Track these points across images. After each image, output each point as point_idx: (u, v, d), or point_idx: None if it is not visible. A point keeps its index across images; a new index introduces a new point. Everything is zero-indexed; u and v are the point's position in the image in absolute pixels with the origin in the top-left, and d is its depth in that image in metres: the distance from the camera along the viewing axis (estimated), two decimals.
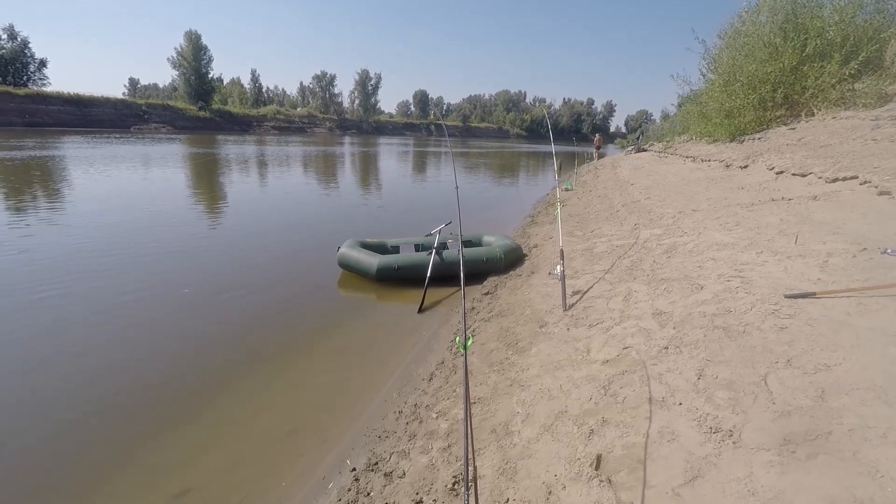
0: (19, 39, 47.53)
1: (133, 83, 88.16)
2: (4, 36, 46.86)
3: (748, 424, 1.86)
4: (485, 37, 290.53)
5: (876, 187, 4.73)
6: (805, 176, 6.14)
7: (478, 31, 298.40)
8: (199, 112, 53.91)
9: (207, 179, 14.99)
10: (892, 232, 3.65)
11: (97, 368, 3.54)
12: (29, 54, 48.57)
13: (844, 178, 5.39)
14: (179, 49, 57.64)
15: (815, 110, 9.47)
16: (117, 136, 33.90)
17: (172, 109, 51.48)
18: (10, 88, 40.42)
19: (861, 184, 5.05)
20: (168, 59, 58.43)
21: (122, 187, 11.94)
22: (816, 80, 9.51)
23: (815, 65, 9.55)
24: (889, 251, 3.19)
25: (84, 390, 3.27)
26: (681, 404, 2.12)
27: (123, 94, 75.33)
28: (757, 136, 10.22)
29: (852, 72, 8.92)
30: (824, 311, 2.53)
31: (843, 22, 9.56)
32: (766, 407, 1.92)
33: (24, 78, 47.99)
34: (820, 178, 5.78)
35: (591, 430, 2.16)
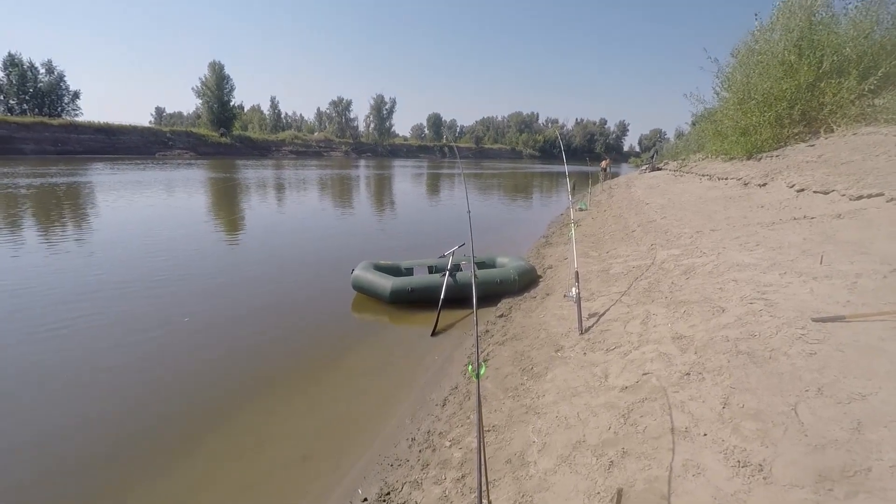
0: (56, 73, 50.37)
1: (159, 111, 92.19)
2: (43, 70, 49.75)
3: (779, 458, 1.75)
4: (497, 59, 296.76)
5: None
6: (827, 193, 5.98)
7: (490, 54, 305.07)
8: (221, 138, 55.81)
9: (226, 203, 15.38)
10: None
11: (106, 395, 3.57)
12: (64, 87, 51.33)
13: (869, 196, 5.23)
14: (203, 79, 60.23)
15: (835, 126, 9.29)
16: (141, 162, 35.20)
17: (195, 136, 53.40)
18: (46, 119, 42.62)
19: (888, 201, 4.88)
20: (193, 88, 61.14)
21: (141, 213, 12.32)
22: (834, 96, 9.37)
23: (833, 81, 9.43)
24: None
25: (92, 416, 3.29)
26: (705, 435, 2.02)
27: (150, 122, 78.68)
28: (774, 153, 10.05)
29: (872, 87, 8.78)
30: (855, 336, 2.41)
31: (860, 38, 9.48)
32: (798, 439, 1.82)
33: (59, 109, 50.57)
34: (843, 195, 5.62)
35: (611, 461, 2.07)
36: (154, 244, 8.37)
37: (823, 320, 2.62)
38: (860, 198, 5.30)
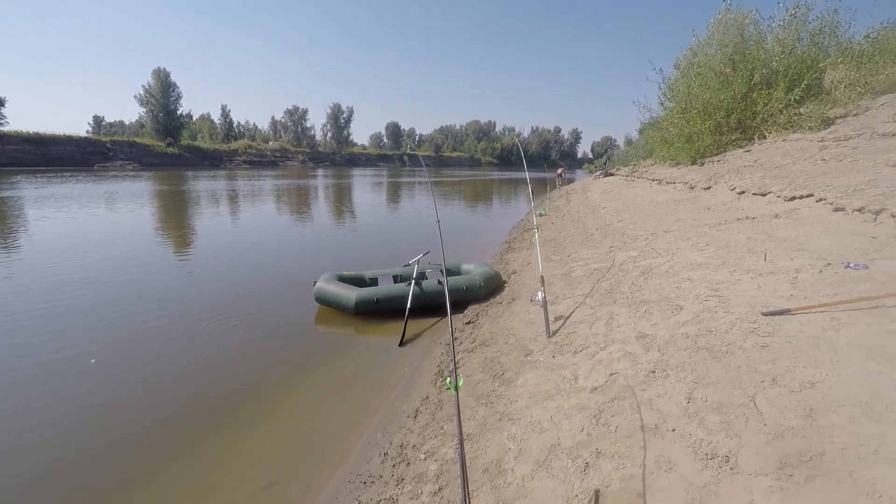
0: None
1: (98, 120, 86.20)
2: None
3: (743, 448, 1.83)
4: (454, 68, 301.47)
5: (831, 204, 5.00)
6: (765, 195, 6.45)
7: (447, 64, 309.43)
8: (168, 148, 52.99)
9: (175, 217, 14.57)
10: (852, 247, 3.83)
11: (47, 425, 3.25)
12: None
13: (801, 197, 5.68)
14: (147, 86, 57.16)
15: (767, 133, 10.09)
16: (80, 174, 32.78)
17: (139, 146, 50.39)
18: None
19: (817, 201, 5.33)
20: (135, 96, 57.79)
21: (79, 228, 11.44)
22: (765, 105, 10.19)
23: (763, 92, 10.26)
24: (852, 265, 3.33)
25: (30, 453, 2.98)
26: (674, 430, 2.09)
27: (87, 131, 73.32)
28: (716, 158, 10.77)
29: (797, 98, 9.61)
30: (801, 328, 2.58)
31: (785, 53, 10.39)
32: (759, 429, 1.91)
33: None
34: (779, 196, 6.08)
35: (587, 463, 2.09)
36: (84, 266, 7.76)
37: (772, 314, 2.80)
38: (793, 198, 5.75)
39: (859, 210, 4.50)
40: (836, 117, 8.73)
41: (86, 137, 50.44)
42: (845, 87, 9.17)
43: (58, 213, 13.30)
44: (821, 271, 3.40)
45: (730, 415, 2.05)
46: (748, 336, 2.64)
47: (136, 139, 53.35)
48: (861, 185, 5.03)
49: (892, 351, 2.18)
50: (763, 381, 2.20)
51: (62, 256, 8.13)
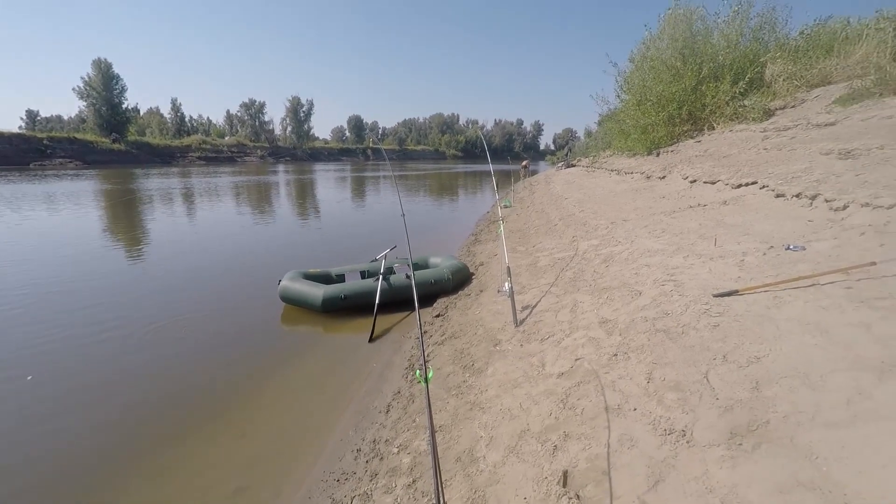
0: None
1: (31, 115, 79.63)
2: None
3: (698, 422, 1.96)
4: (418, 61, 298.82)
5: (773, 191, 5.35)
6: (714, 183, 6.82)
7: (410, 56, 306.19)
8: (113, 144, 49.76)
9: (124, 218, 13.76)
10: (791, 230, 4.12)
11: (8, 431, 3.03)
12: None
13: (746, 184, 6.04)
14: (87, 78, 53.39)
15: (715, 124, 10.63)
16: (13, 173, 30.29)
17: (81, 143, 47.00)
18: None
19: (760, 188, 5.68)
20: (74, 89, 53.88)
21: (22, 230, 10.62)
22: (713, 98, 10.72)
23: (711, 85, 10.78)
24: (791, 247, 3.59)
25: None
26: (635, 409, 2.20)
27: (20, 127, 67.66)
28: (670, 149, 11.25)
29: (741, 90, 10.17)
30: (747, 307, 2.77)
31: (730, 47, 10.95)
32: (711, 403, 2.04)
33: None
34: (727, 184, 6.44)
35: (555, 446, 2.17)
36: (31, 271, 7.24)
37: (722, 295, 2.98)
38: (739, 186, 6.10)
39: (797, 196, 4.84)
40: (777, 109, 9.31)
41: (19, 133, 46.55)
42: (784, 80, 9.77)
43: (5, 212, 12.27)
44: (764, 254, 3.64)
45: (685, 392, 2.18)
46: (701, 317, 2.80)
47: (77, 135, 49.66)
48: (798, 173, 5.41)
49: (826, 325, 2.37)
50: (715, 359, 2.35)
51: None
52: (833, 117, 7.08)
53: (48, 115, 79.58)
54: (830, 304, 2.54)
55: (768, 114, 9.26)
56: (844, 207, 4.04)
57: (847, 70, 8.88)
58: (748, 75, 10.17)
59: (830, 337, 2.25)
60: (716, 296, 3.00)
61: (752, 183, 5.93)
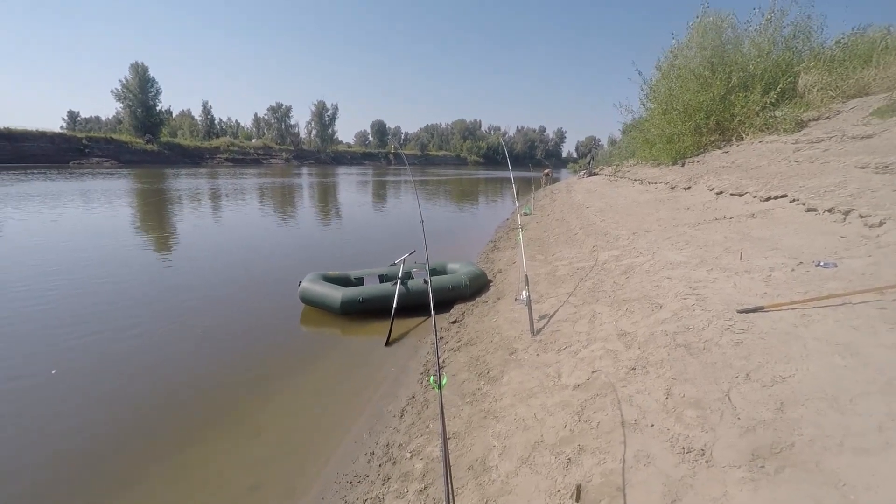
0: None
1: (72, 116, 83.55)
2: None
3: (718, 442, 1.90)
4: (440, 67, 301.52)
5: (804, 204, 5.17)
6: (741, 196, 6.64)
7: (433, 61, 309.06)
8: (147, 145, 51.80)
9: (155, 216, 14.26)
10: (822, 246, 3.98)
11: (28, 430, 3.17)
12: None
13: (776, 197, 5.86)
14: (125, 81, 55.81)
15: (744, 135, 10.36)
16: (54, 171, 31.79)
17: (117, 143, 49.11)
18: None
19: (791, 202, 5.50)
20: (112, 91, 56.43)
21: (57, 226, 11.12)
22: (742, 108, 10.46)
23: (741, 94, 10.52)
24: (822, 264, 3.46)
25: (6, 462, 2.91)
26: (653, 426, 2.15)
27: (62, 127, 71.02)
28: (696, 159, 11.01)
29: (772, 101, 9.89)
30: (773, 325, 2.68)
31: (761, 56, 10.67)
32: (733, 423, 1.98)
33: None
34: (755, 197, 6.26)
35: (569, 458, 2.15)
36: (62, 264, 7.57)
37: (746, 311, 2.90)
38: (768, 199, 5.93)
39: (829, 210, 4.67)
40: (810, 120, 9.01)
41: (60, 133, 48.97)
42: (818, 90, 9.46)
43: (27, 213, 12.89)
44: (793, 270, 3.52)
45: (706, 409, 2.12)
46: (724, 333, 2.73)
47: (114, 135, 51.94)
48: (831, 187, 5.22)
49: (857, 346, 2.28)
50: (737, 377, 2.28)
51: (29, 258, 7.89)
52: (870, 129, 6.81)
53: (87, 116, 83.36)
54: (862, 325, 2.44)
55: (801, 125, 8.96)
56: (881, 224, 3.88)
57: (886, 81, 8.53)
58: (780, 85, 9.88)
59: (862, 359, 2.16)
60: (740, 311, 2.92)
61: (782, 196, 5.75)
